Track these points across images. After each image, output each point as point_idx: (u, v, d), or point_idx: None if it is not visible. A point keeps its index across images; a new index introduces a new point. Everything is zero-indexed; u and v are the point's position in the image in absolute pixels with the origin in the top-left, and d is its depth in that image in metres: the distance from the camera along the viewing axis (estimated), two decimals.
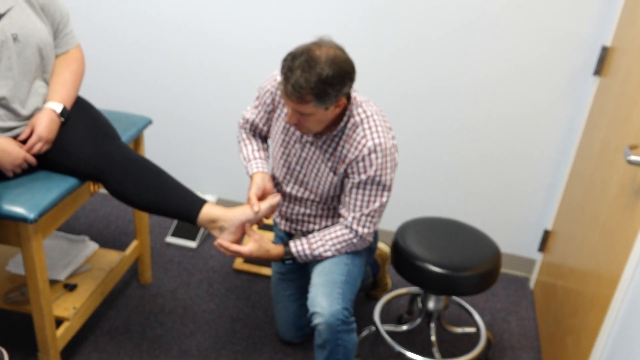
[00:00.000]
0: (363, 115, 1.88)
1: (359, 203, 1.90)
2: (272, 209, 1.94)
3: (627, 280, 1.63)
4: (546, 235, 2.75)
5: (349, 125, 1.88)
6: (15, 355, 2.23)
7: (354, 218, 1.92)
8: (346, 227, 1.95)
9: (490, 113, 2.62)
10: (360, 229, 1.93)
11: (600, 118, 2.22)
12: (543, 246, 2.77)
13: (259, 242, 1.93)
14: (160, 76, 2.92)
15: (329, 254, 1.97)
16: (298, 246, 1.96)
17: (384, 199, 1.90)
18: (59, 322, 2.36)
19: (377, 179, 1.86)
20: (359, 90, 2.71)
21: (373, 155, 1.84)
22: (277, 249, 1.96)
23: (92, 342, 2.31)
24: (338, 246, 1.96)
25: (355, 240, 1.96)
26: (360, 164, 1.85)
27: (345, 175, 1.92)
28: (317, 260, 2.02)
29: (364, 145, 1.84)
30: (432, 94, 2.64)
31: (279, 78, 1.99)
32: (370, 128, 1.86)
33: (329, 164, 1.93)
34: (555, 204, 2.66)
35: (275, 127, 2.02)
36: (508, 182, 2.74)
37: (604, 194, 1.99)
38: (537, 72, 2.50)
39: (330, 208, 2.05)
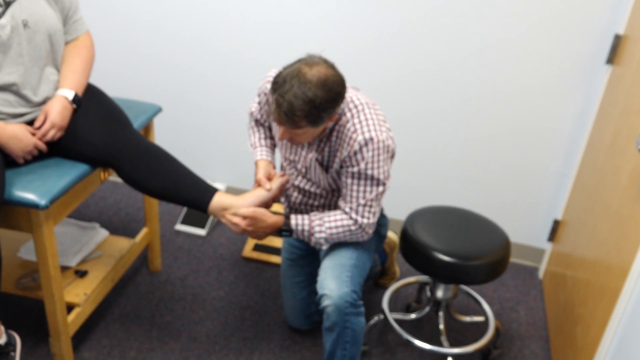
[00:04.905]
0: (354, 111, 1.87)
1: (354, 194, 1.89)
2: (282, 188, 1.98)
3: (637, 271, 1.63)
4: (556, 225, 2.73)
5: (341, 122, 1.87)
6: (27, 340, 2.25)
7: (351, 209, 1.91)
8: (346, 213, 1.93)
9: (501, 101, 2.61)
10: (359, 219, 1.91)
11: (612, 107, 2.20)
12: (553, 236, 2.76)
13: (256, 211, 1.91)
14: (170, 64, 2.92)
15: (322, 235, 1.93)
16: (298, 219, 1.94)
17: (380, 189, 1.89)
18: (69, 308, 2.38)
19: (369, 172, 1.85)
20: (371, 83, 2.70)
21: (364, 149, 1.82)
22: (276, 217, 1.94)
23: (102, 328, 2.33)
24: (334, 230, 1.92)
25: (353, 228, 1.92)
26: (352, 158, 1.85)
27: (341, 167, 1.93)
28: (320, 244, 2.03)
29: (354, 140, 1.83)
30: (440, 83, 2.63)
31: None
32: (360, 122, 1.84)
33: (324, 163, 1.94)
34: (566, 194, 2.65)
35: (274, 125, 2.04)
36: (518, 171, 2.73)
37: (615, 183, 1.97)
38: (549, 61, 2.48)
39: (337, 198, 2.05)
